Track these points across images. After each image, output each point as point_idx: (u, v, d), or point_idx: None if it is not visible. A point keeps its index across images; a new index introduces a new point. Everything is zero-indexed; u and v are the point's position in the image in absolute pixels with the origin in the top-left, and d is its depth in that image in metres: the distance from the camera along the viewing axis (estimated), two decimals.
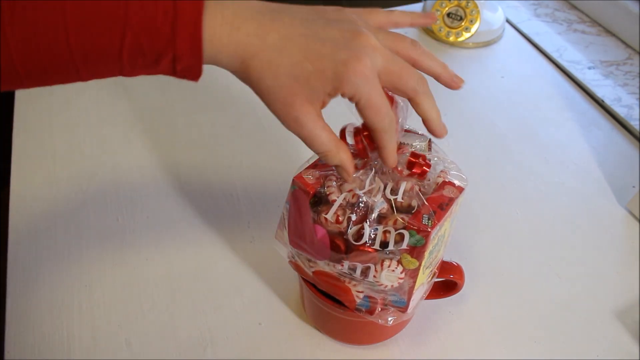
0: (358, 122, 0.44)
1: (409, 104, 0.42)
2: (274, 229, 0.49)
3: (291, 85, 0.38)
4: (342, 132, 0.44)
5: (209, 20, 0.35)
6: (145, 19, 0.33)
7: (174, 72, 0.37)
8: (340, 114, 0.43)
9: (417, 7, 0.98)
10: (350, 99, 0.38)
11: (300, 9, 0.38)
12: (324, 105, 0.40)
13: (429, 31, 0.93)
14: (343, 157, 0.40)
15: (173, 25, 0.34)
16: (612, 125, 0.79)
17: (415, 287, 0.44)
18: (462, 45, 0.91)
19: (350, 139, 0.43)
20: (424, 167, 0.43)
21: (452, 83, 0.44)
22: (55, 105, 0.79)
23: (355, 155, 0.43)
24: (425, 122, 0.43)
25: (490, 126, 0.78)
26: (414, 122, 0.48)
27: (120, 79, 0.83)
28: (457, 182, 0.45)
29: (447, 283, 0.52)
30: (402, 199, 0.42)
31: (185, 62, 0.36)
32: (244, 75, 0.40)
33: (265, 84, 0.39)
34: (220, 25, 0.36)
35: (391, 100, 0.41)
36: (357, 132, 0.43)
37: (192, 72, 0.38)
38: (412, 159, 0.43)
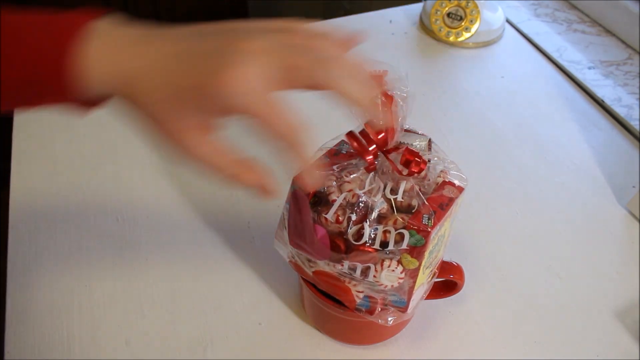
0: (359, 124, 0.44)
1: (409, 102, 0.42)
2: (274, 229, 0.49)
3: (172, 107, 0.34)
4: (351, 134, 0.44)
5: (84, 49, 0.34)
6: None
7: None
8: (340, 115, 0.43)
9: (417, 7, 0.98)
10: (244, 115, 0.34)
11: (178, 29, 0.36)
12: (216, 126, 0.36)
13: (429, 31, 0.93)
14: (246, 178, 0.37)
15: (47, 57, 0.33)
16: (612, 125, 0.79)
17: (415, 287, 0.44)
18: (462, 45, 0.91)
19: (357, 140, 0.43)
20: (421, 165, 0.43)
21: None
22: None
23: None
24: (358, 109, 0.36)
25: (490, 126, 0.78)
26: (414, 121, 0.48)
27: None
28: (457, 182, 0.45)
29: (447, 283, 0.52)
30: (402, 198, 0.42)
31: (55, 93, 0.34)
32: (127, 100, 0.36)
33: (148, 109, 0.35)
34: (95, 53, 0.34)
35: (390, 99, 0.41)
36: (365, 132, 0.43)
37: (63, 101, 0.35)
38: (407, 157, 0.43)
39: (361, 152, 0.43)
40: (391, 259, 0.42)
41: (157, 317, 0.56)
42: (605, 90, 0.82)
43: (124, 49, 0.35)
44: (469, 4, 0.89)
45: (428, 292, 0.49)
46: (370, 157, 0.43)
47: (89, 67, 0.34)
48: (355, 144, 0.43)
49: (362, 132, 0.43)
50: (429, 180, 0.45)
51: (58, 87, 0.34)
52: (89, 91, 0.35)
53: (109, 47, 0.34)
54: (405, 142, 0.46)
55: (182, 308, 0.57)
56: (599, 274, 0.61)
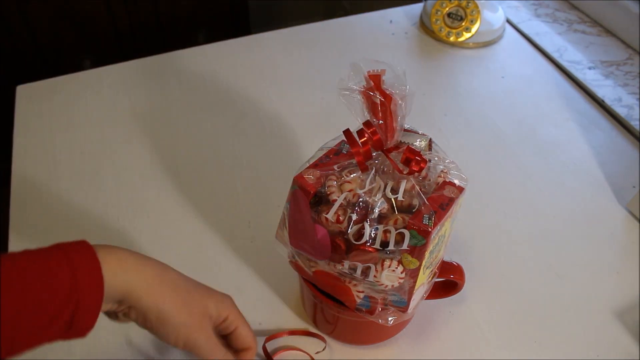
0: (359, 123, 0.44)
1: (408, 101, 0.42)
2: (274, 229, 0.49)
3: (202, 299, 0.43)
4: (347, 132, 0.44)
5: (104, 249, 0.38)
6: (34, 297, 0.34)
7: (67, 328, 0.37)
8: (341, 115, 0.43)
9: (417, 7, 0.98)
10: (231, 323, 0.44)
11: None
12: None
13: (429, 31, 0.93)
14: None
15: (72, 281, 0.35)
16: (612, 126, 0.79)
17: (416, 287, 0.44)
18: (462, 45, 0.91)
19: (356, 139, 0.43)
20: (421, 164, 0.43)
21: None
22: (56, 105, 0.79)
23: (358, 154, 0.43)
24: None
25: (490, 126, 0.78)
26: (414, 121, 0.48)
27: (121, 77, 0.83)
28: (457, 182, 0.45)
29: (447, 283, 0.52)
30: (403, 198, 0.42)
31: (85, 308, 0.36)
32: (152, 293, 0.40)
33: (180, 299, 0.41)
34: (122, 252, 0.40)
35: (389, 98, 0.41)
36: (361, 132, 0.43)
37: (89, 317, 0.37)
38: (408, 155, 0.43)
39: (354, 152, 0.43)
40: (392, 259, 0.42)
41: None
42: (606, 90, 0.82)
43: (135, 263, 0.40)
44: (470, 4, 0.89)
45: (428, 292, 0.48)
46: (361, 157, 0.43)
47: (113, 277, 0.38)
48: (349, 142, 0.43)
49: (359, 132, 0.43)
50: (430, 180, 0.45)
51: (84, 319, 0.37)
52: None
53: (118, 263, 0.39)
54: (406, 142, 0.46)
55: None
56: (599, 273, 0.61)
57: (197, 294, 0.43)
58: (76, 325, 0.36)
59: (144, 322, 0.41)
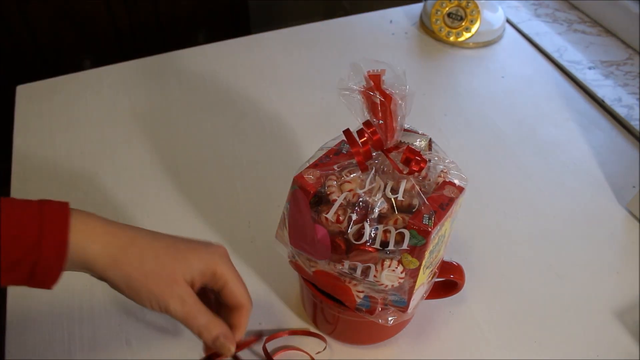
0: (359, 123, 0.44)
1: (408, 101, 0.42)
2: (274, 229, 0.49)
3: (172, 263, 0.40)
4: (347, 132, 0.44)
5: (75, 215, 0.39)
6: (7, 232, 0.36)
7: (28, 279, 0.38)
8: (341, 115, 0.43)
9: (417, 7, 0.98)
10: (219, 278, 0.42)
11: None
12: (193, 286, 0.41)
13: (429, 31, 0.93)
14: (219, 331, 0.42)
15: (38, 241, 0.36)
16: (612, 126, 0.79)
17: (416, 287, 0.44)
18: (462, 45, 0.91)
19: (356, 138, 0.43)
20: (421, 164, 0.43)
21: None
22: (56, 105, 0.79)
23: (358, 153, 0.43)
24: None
25: (490, 126, 0.78)
26: (414, 121, 0.48)
27: (121, 77, 0.83)
28: (457, 182, 0.45)
29: (447, 283, 0.52)
30: (403, 197, 0.42)
31: (47, 263, 0.37)
32: (118, 265, 0.39)
33: (147, 268, 0.39)
34: (88, 219, 0.40)
35: (389, 98, 0.41)
36: (361, 132, 0.43)
37: (52, 273, 0.38)
38: (408, 155, 0.43)
39: (354, 152, 0.43)
40: (391, 259, 0.42)
41: (157, 317, 0.56)
42: (606, 90, 0.82)
43: (113, 222, 0.41)
44: (470, 4, 0.89)
45: (428, 292, 0.48)
46: (361, 157, 0.43)
47: (86, 227, 0.39)
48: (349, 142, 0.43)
49: (359, 132, 0.43)
50: (429, 180, 0.45)
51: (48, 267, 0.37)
52: (76, 260, 0.39)
53: (99, 219, 0.40)
54: (406, 142, 0.46)
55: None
56: (599, 273, 0.61)
57: (168, 258, 0.40)
58: (38, 278, 0.37)
59: (116, 289, 0.40)
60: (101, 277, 0.40)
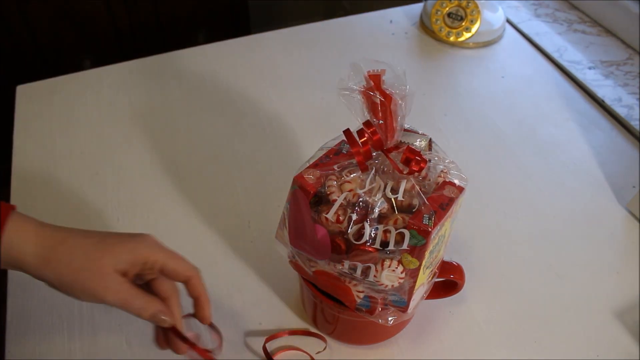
0: (359, 123, 0.44)
1: (408, 101, 0.42)
2: (274, 229, 0.49)
3: (102, 257, 0.42)
4: (347, 132, 0.44)
5: (14, 217, 0.41)
6: None
7: None
8: (341, 115, 0.43)
9: (417, 7, 0.98)
10: (153, 263, 0.44)
11: None
12: (127, 276, 0.43)
13: (429, 31, 0.93)
14: (154, 309, 0.44)
15: None
16: (612, 126, 0.79)
17: (416, 287, 0.44)
18: (462, 45, 0.91)
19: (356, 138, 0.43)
20: (421, 164, 0.43)
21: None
22: (56, 105, 0.79)
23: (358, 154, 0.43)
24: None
25: (490, 126, 0.78)
26: (414, 121, 0.48)
27: (121, 77, 0.83)
28: (457, 182, 0.45)
29: (447, 283, 0.52)
30: (403, 197, 0.42)
31: None
32: (49, 264, 0.42)
33: (77, 264, 0.41)
34: (25, 222, 0.42)
35: (389, 98, 0.41)
36: (361, 132, 0.43)
37: None
38: (408, 155, 0.43)
39: (354, 152, 0.43)
40: (392, 259, 0.42)
41: None
42: (606, 90, 0.82)
43: (47, 224, 0.43)
44: (470, 4, 0.89)
45: (428, 292, 0.48)
46: (361, 157, 0.43)
47: (19, 229, 0.42)
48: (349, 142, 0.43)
49: (359, 132, 0.43)
50: (430, 180, 0.45)
51: None
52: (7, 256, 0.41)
53: (32, 220, 0.43)
54: (406, 142, 0.46)
55: (183, 308, 0.57)
56: (599, 273, 0.61)
57: (97, 253, 0.42)
58: None
59: (52, 287, 0.42)
60: (36, 277, 0.42)
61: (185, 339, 0.45)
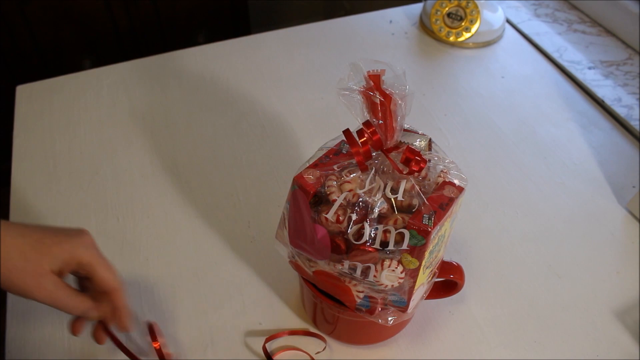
0: (358, 123, 0.44)
1: (408, 101, 0.42)
2: (274, 229, 0.49)
3: (39, 257, 0.42)
4: (347, 132, 0.44)
5: None
6: None
7: None
8: (341, 115, 0.43)
9: (417, 7, 0.98)
10: (85, 266, 0.45)
11: None
12: (61, 274, 0.44)
13: (429, 31, 0.93)
14: (84, 307, 0.45)
15: None
16: (612, 126, 0.79)
17: (416, 287, 0.44)
18: (462, 45, 0.91)
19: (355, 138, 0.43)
20: (421, 164, 0.43)
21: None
22: (56, 105, 0.79)
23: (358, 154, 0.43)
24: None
25: (490, 126, 0.78)
26: (414, 121, 0.48)
27: (121, 77, 0.83)
28: (457, 182, 0.45)
29: (447, 283, 0.52)
30: (403, 197, 0.42)
31: None
32: None
33: (12, 264, 0.42)
34: None
35: (389, 98, 0.41)
36: (361, 132, 0.43)
37: None
38: (408, 155, 0.43)
39: (354, 152, 0.43)
40: (391, 259, 0.42)
41: (157, 317, 0.56)
42: (605, 90, 0.82)
43: None
44: (469, 4, 0.89)
45: (428, 292, 0.48)
46: (360, 157, 0.43)
47: None
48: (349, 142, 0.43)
49: (359, 132, 0.43)
50: (429, 180, 0.45)
51: None
52: None
53: None
54: (406, 142, 0.46)
55: (182, 308, 0.57)
56: (599, 273, 0.61)
57: (35, 255, 0.43)
58: None
59: None
60: None
61: (113, 337, 0.48)
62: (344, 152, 0.46)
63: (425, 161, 0.43)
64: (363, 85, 0.42)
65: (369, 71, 0.42)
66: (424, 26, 0.94)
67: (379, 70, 0.42)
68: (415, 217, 0.41)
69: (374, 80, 0.41)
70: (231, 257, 0.62)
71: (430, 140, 0.48)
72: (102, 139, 0.75)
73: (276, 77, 0.85)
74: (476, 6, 0.89)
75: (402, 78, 0.42)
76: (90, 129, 0.76)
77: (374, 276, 0.43)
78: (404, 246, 0.41)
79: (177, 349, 0.54)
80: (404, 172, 0.43)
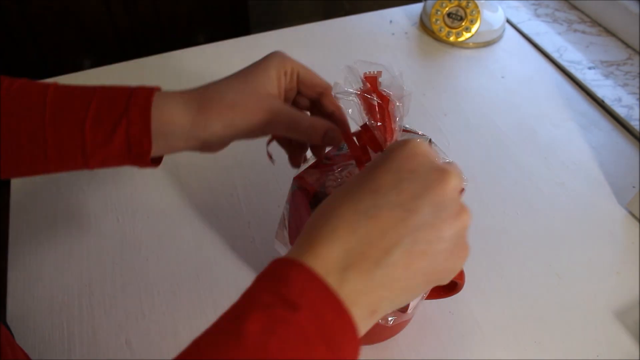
0: (357, 125, 0.44)
1: (406, 102, 0.42)
2: (274, 229, 0.49)
3: (253, 81, 0.43)
4: (351, 133, 0.44)
5: (158, 93, 0.42)
6: (108, 94, 0.42)
7: (128, 149, 0.41)
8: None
9: (417, 7, 0.98)
10: (293, 72, 0.45)
11: None
12: (280, 96, 0.44)
13: (429, 31, 0.93)
14: (326, 126, 0.43)
15: (128, 99, 0.41)
16: (612, 126, 0.79)
17: None
18: (462, 45, 0.91)
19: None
20: None
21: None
22: None
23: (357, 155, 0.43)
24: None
25: (490, 126, 0.78)
26: (414, 121, 0.48)
27: (121, 78, 0.83)
28: None
29: (447, 283, 0.52)
30: None
31: (137, 128, 0.41)
32: (202, 110, 0.42)
33: (229, 99, 0.42)
34: (168, 93, 0.43)
35: (386, 100, 0.41)
36: (359, 133, 0.43)
37: (144, 143, 0.41)
38: None
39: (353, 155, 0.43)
40: None
41: (157, 317, 0.56)
42: (606, 90, 0.82)
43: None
44: (469, 4, 0.89)
45: (428, 292, 0.48)
46: (360, 159, 0.43)
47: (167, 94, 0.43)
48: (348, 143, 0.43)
49: (357, 134, 0.43)
50: None
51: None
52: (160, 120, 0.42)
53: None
54: None
55: (182, 308, 0.57)
56: (599, 274, 0.61)
57: (246, 81, 0.43)
58: (134, 150, 0.41)
59: (211, 138, 0.42)
60: (187, 140, 0.42)
61: (356, 147, 0.43)
62: (345, 152, 0.46)
63: None
64: (360, 88, 0.42)
65: (365, 73, 0.42)
66: (424, 26, 0.94)
67: (375, 72, 0.42)
68: None
69: (371, 82, 0.41)
70: (231, 257, 0.62)
71: (430, 140, 0.48)
72: None
73: None
74: (476, 6, 0.89)
75: (399, 79, 0.42)
76: None
77: None
78: None
79: (177, 349, 0.54)
80: None
